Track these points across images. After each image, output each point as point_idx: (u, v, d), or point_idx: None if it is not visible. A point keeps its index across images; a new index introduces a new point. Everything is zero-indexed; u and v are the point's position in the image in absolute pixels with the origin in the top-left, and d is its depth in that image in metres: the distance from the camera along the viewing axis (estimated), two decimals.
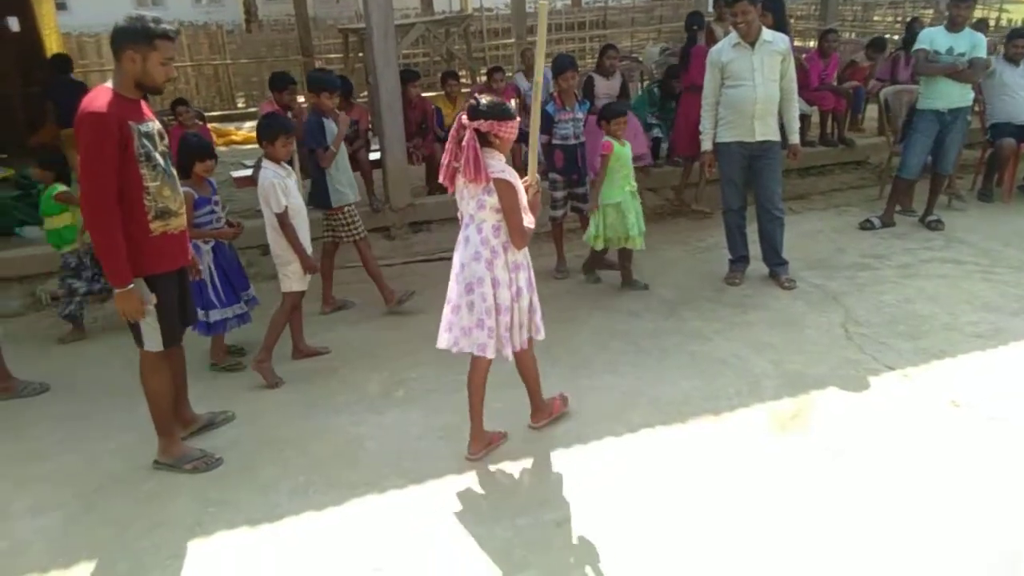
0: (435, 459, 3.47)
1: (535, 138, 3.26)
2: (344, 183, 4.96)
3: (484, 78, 8.23)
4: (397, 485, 3.30)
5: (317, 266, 4.44)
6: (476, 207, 3.16)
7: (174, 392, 3.54)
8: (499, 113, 3.08)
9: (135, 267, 3.14)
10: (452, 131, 3.15)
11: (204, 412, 3.85)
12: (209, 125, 8.24)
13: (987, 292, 4.94)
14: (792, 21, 15.02)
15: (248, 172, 6.55)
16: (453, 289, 3.32)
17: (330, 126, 4.86)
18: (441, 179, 3.22)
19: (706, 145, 5.27)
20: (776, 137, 5.08)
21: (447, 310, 3.36)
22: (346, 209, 4.96)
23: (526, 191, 3.23)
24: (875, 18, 16.38)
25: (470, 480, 3.33)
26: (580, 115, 5.39)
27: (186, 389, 3.76)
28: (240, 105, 13.10)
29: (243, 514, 3.17)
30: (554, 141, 5.37)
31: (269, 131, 4.19)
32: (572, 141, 5.36)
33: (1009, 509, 2.99)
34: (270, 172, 4.18)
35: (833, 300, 4.95)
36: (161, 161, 3.18)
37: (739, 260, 5.42)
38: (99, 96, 3.03)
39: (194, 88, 12.84)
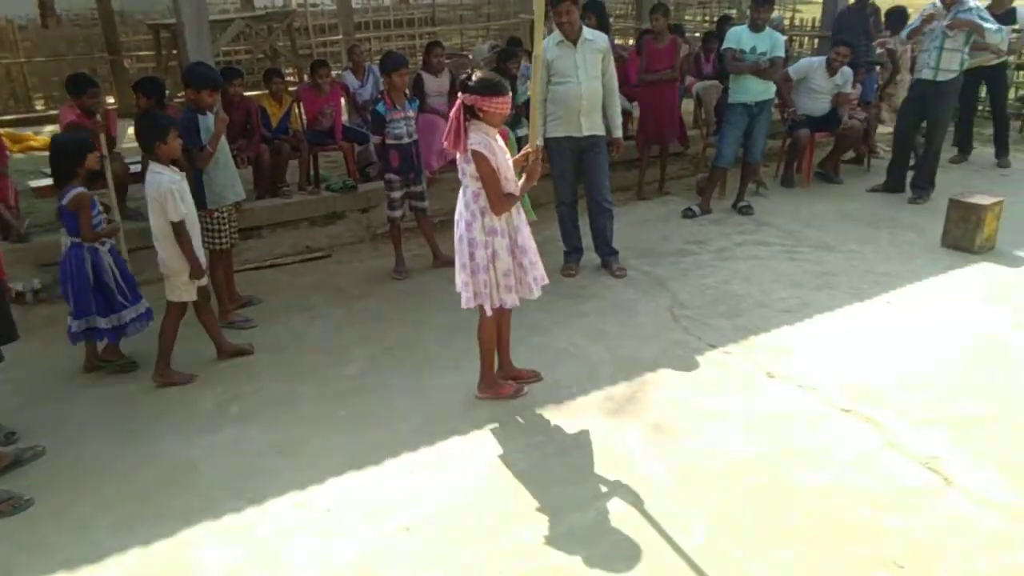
0: (276, 476, 3.33)
1: (536, 107, 3.55)
2: (225, 183, 4.67)
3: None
4: (235, 508, 3.12)
5: (205, 271, 4.20)
6: (460, 173, 3.51)
7: None
8: (484, 89, 3.34)
9: None
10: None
11: (9, 448, 3.47)
12: (0, 130, 7.42)
13: (792, 270, 5.41)
14: (611, 20, 15.69)
15: (48, 181, 5.94)
16: (455, 240, 3.65)
17: (206, 124, 4.56)
18: (443, 140, 3.50)
19: (537, 141, 5.38)
20: (601, 132, 5.28)
21: (456, 258, 3.65)
22: (215, 214, 4.66)
23: (527, 157, 3.55)
24: (686, 17, 17.45)
25: (313, 495, 3.21)
26: (411, 113, 5.35)
27: None
28: (39, 108, 11.86)
29: (59, 557, 2.88)
30: (388, 141, 5.30)
31: (157, 130, 3.92)
32: (406, 140, 5.31)
33: (818, 470, 3.29)
34: (165, 177, 3.89)
35: (660, 285, 5.23)
36: None
37: (573, 252, 5.60)
38: None
39: None
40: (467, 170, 3.44)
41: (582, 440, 3.55)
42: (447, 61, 7.44)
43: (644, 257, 5.75)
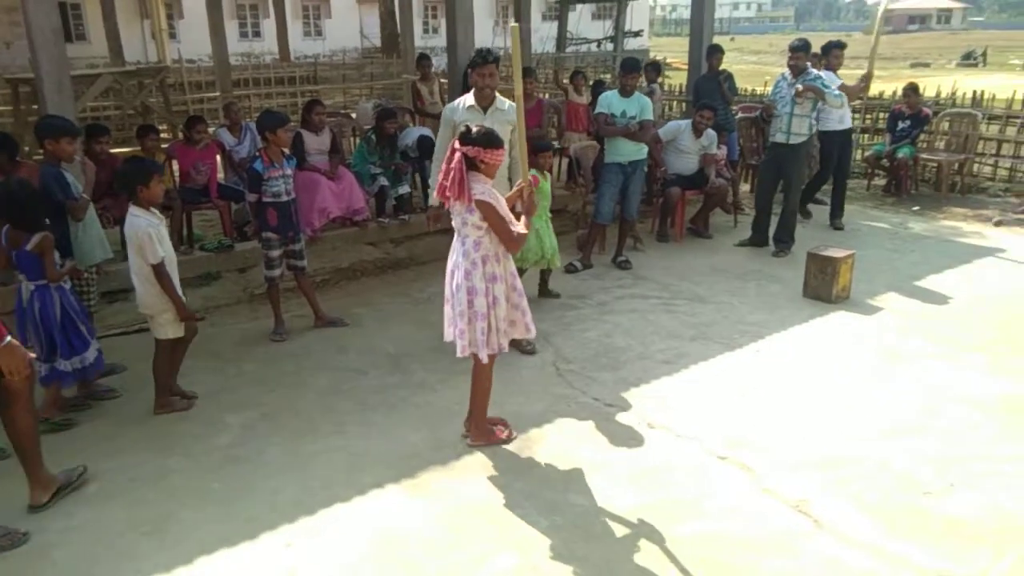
0: (139, 558, 3.09)
1: (523, 146, 3.70)
2: (92, 242, 4.53)
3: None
4: None
5: (192, 314, 4.32)
6: (460, 223, 3.60)
7: None
8: (485, 141, 3.49)
9: None
10: (447, 155, 3.56)
11: None
12: None
13: (669, 322, 5.61)
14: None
15: None
16: (447, 289, 3.75)
17: (69, 176, 4.44)
18: (435, 195, 3.66)
19: (433, 200, 5.36)
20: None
21: (447, 307, 3.77)
22: (84, 275, 4.54)
23: (520, 194, 3.67)
24: (565, 81, 18.16)
25: None
26: (289, 171, 5.26)
27: None
28: None
29: None
30: (265, 199, 5.16)
31: (141, 175, 4.00)
32: (284, 198, 5.20)
33: (700, 518, 3.38)
34: (143, 220, 3.99)
35: (544, 340, 5.29)
36: None
37: None
38: None
39: None
40: (469, 220, 3.55)
41: (468, 501, 3.49)
42: (329, 120, 7.40)
43: None
